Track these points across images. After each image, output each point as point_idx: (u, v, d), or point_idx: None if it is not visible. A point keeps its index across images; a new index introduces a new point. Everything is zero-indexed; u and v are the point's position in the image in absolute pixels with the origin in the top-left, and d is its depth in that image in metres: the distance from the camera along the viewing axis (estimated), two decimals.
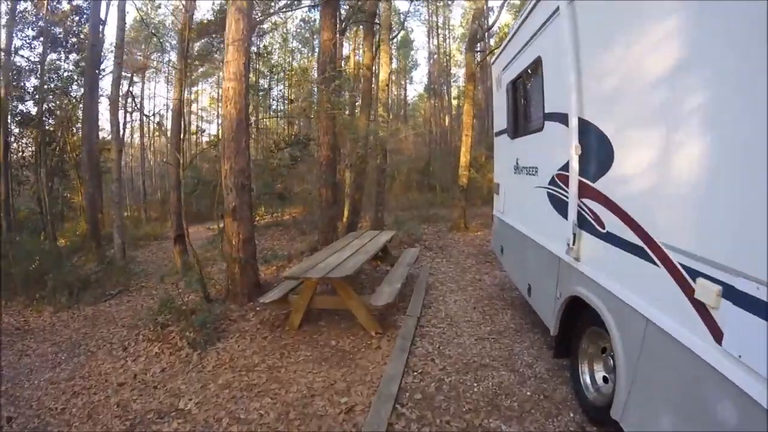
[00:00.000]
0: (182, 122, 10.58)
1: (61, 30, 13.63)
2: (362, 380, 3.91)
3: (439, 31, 30.75)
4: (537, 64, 3.98)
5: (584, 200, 2.97)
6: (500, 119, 5.56)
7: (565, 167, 3.26)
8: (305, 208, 15.53)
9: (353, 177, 9.92)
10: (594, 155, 2.87)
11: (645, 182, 2.33)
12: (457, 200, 11.64)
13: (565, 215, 3.27)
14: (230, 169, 6.27)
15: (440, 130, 29.46)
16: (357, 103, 12.51)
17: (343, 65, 15.93)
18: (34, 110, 13.22)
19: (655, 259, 2.20)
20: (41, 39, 13.13)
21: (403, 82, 33.98)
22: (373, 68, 11.30)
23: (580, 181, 2.99)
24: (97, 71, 11.41)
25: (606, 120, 2.74)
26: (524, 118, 4.61)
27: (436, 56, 31.18)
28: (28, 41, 13.31)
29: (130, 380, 4.28)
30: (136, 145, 31.84)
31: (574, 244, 3.07)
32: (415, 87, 48.64)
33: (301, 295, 5.13)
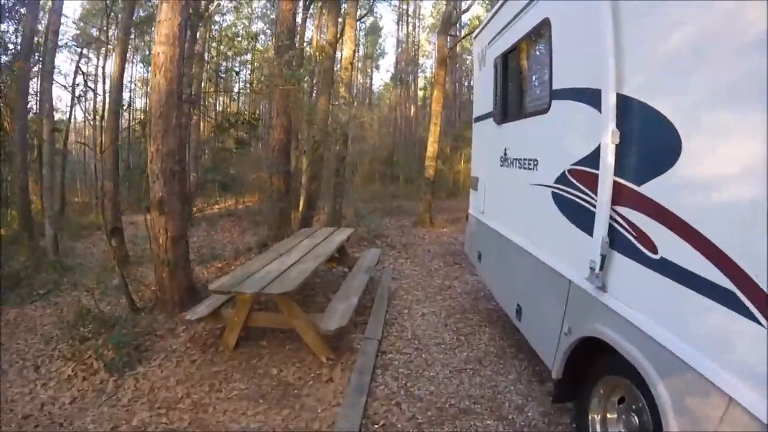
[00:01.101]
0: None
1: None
2: (308, 428, 3.01)
3: (409, 19, 29.80)
4: (542, 28, 3.10)
5: (621, 209, 2.11)
6: (483, 102, 4.66)
7: (586, 161, 2.40)
8: (260, 196, 14.35)
9: (309, 165, 8.86)
10: (641, 146, 2.01)
11: (741, 192, 1.49)
12: (422, 193, 10.77)
13: (583, 226, 2.41)
14: (157, 151, 5.16)
15: (405, 119, 28.68)
16: (317, 83, 11.37)
17: (306, 47, 14.74)
18: None
19: (756, 312, 1.37)
20: None
21: (369, 70, 33.08)
22: (337, 47, 10.19)
23: (616, 183, 2.12)
24: (30, 40, 10.11)
25: (667, 96, 1.87)
26: (518, 98, 3.71)
27: (404, 45, 30.24)
28: None
29: (36, 412, 3.51)
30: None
31: (601, 269, 2.21)
32: (382, 76, 47.86)
33: (236, 310, 4.13)
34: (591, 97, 2.36)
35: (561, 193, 2.68)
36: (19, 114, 9.25)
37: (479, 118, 4.86)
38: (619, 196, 2.12)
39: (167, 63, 5.08)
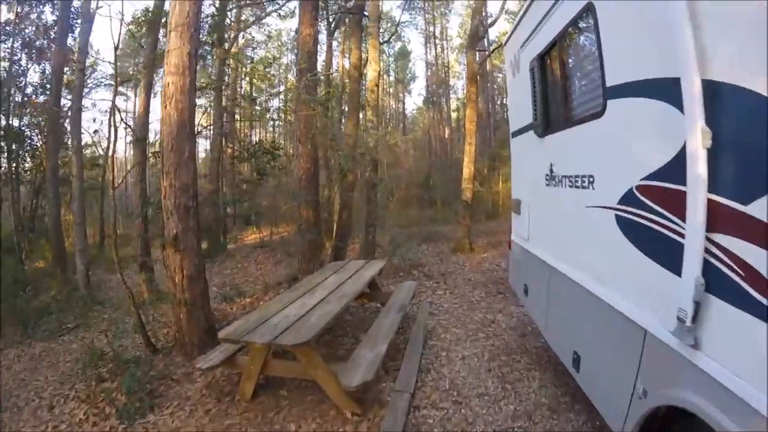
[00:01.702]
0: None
1: (45, 41, 12.71)
2: None
3: (437, 41, 29.66)
4: (584, 16, 2.58)
5: (720, 238, 1.53)
6: (520, 114, 4.10)
7: (662, 174, 1.83)
8: (294, 227, 14.10)
9: (336, 194, 8.49)
10: (745, 148, 1.44)
11: None
12: (460, 217, 10.16)
13: (664, 261, 1.83)
14: (170, 186, 4.94)
15: (440, 141, 28.28)
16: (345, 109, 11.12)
17: (332, 71, 14.63)
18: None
19: None
20: (25, 50, 12.53)
21: (401, 95, 33.06)
22: (362, 69, 9.91)
23: (711, 202, 1.54)
24: (61, 79, 10.47)
25: None
26: (562, 104, 3.15)
27: (434, 67, 30.06)
28: (8, 52, 12.35)
29: None
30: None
31: (694, 321, 1.61)
32: (414, 100, 48.02)
33: (251, 359, 3.69)
34: (662, 88, 1.80)
35: (628, 216, 2.09)
36: (50, 152, 9.43)
37: (517, 133, 4.30)
38: (717, 220, 1.53)
39: (177, 93, 4.90)
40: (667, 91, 1.75)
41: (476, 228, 11.84)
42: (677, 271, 1.68)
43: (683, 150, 1.65)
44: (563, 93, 3.12)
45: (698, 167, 1.54)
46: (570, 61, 3.06)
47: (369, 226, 8.36)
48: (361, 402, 3.50)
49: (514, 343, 4.71)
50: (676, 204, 1.71)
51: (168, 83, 4.93)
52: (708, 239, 1.56)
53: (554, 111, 3.29)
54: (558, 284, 3.16)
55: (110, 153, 5.52)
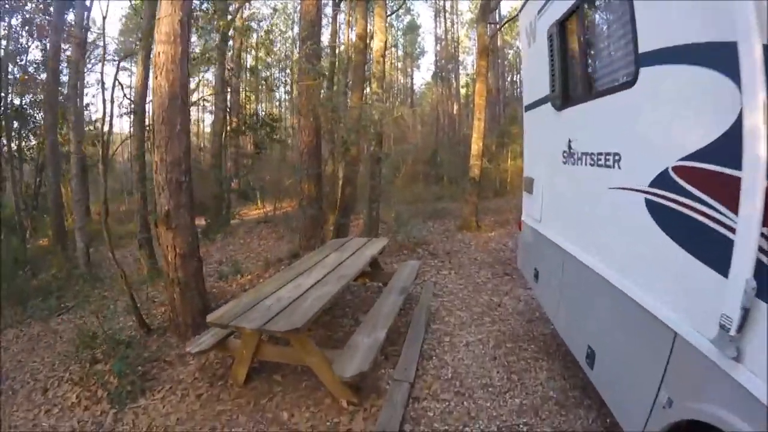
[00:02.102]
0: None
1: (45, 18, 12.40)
2: None
3: (447, 15, 28.73)
4: None
5: None
6: (536, 85, 3.76)
7: (706, 154, 1.56)
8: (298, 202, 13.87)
9: (339, 167, 8.23)
10: None
11: None
12: (467, 195, 9.86)
13: (706, 257, 1.57)
14: (161, 160, 4.75)
15: (448, 117, 27.72)
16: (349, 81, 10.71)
17: (338, 43, 14.14)
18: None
19: None
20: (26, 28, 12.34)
21: (409, 70, 32.32)
22: (368, 40, 9.46)
23: None
24: (58, 56, 10.20)
25: None
26: (584, 73, 2.83)
27: (443, 42, 29.21)
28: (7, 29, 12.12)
29: None
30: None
31: (739, 330, 1.37)
32: (423, 75, 47.15)
33: (243, 343, 3.52)
34: (711, 54, 1.51)
35: (662, 201, 1.82)
36: (49, 130, 9.22)
37: (532, 106, 3.98)
38: None
39: (168, 63, 4.66)
40: (717, 57, 1.47)
41: (483, 205, 11.55)
42: (722, 270, 1.43)
43: (734, 127, 1.38)
44: (586, 61, 2.81)
45: (758, 148, 1.27)
46: (595, 25, 2.74)
47: (373, 202, 8.10)
48: (358, 390, 3.32)
49: (521, 329, 4.50)
50: (724, 190, 1.45)
51: (159, 53, 4.70)
52: (764, 235, 1.30)
53: (575, 81, 2.97)
54: (573, 271, 2.91)
55: (105, 127, 5.27)
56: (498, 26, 13.16)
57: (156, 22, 4.72)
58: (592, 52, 2.77)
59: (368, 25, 9.21)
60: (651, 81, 1.94)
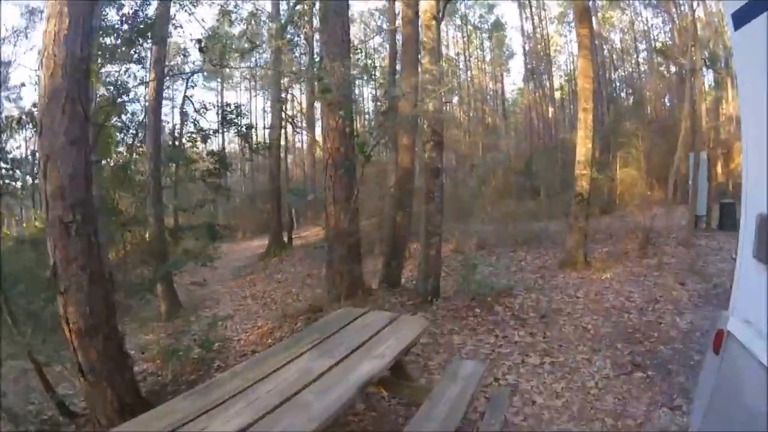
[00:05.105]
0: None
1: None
2: None
3: (533, 10, 25.57)
4: None
5: None
6: None
7: None
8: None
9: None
10: None
11: None
12: (573, 217, 7.08)
13: None
14: (42, 191, 2.96)
15: (544, 120, 24.71)
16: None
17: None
18: None
19: None
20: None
21: (498, 74, 29.41)
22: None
23: None
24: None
25: None
26: None
27: (532, 42, 26.08)
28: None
29: None
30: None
31: None
32: (514, 80, 44.32)
33: None
34: None
35: None
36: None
37: None
38: None
39: (51, 45, 2.99)
40: None
41: (591, 226, 8.51)
42: None
43: None
44: None
45: None
46: None
47: (431, 236, 5.69)
48: None
49: None
50: None
51: (45, 30, 2.99)
52: None
53: None
54: None
55: None
56: None
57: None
58: None
59: None
60: None
